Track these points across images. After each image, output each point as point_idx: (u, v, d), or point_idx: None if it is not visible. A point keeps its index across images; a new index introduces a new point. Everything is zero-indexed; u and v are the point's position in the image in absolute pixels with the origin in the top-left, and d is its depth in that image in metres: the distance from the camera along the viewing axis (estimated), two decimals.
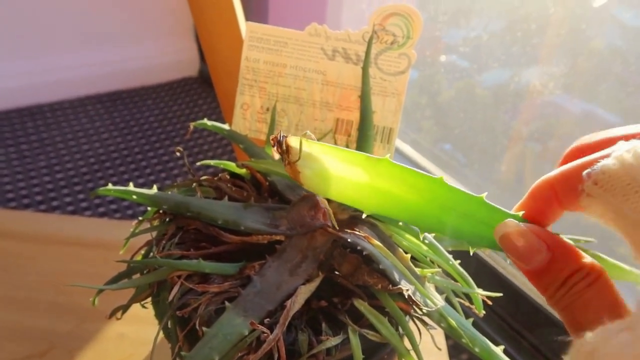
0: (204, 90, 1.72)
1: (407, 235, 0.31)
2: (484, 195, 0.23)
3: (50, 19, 1.55)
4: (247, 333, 0.26)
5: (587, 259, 0.21)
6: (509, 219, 0.22)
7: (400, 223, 0.31)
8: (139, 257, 0.34)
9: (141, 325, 0.50)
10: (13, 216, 0.67)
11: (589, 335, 0.18)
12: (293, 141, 0.22)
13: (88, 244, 0.60)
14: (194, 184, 0.36)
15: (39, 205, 1.22)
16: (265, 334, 0.25)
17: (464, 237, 0.23)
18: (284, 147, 0.22)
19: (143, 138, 1.47)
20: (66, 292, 0.53)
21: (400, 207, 0.23)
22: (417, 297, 0.28)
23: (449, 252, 0.31)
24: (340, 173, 0.22)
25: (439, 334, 0.50)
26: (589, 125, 0.82)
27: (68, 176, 1.31)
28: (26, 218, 0.67)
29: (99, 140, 1.45)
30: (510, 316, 0.78)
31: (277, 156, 0.23)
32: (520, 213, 0.23)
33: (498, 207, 0.23)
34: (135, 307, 0.32)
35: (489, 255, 0.81)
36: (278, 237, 0.31)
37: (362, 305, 0.29)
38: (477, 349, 0.28)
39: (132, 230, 0.35)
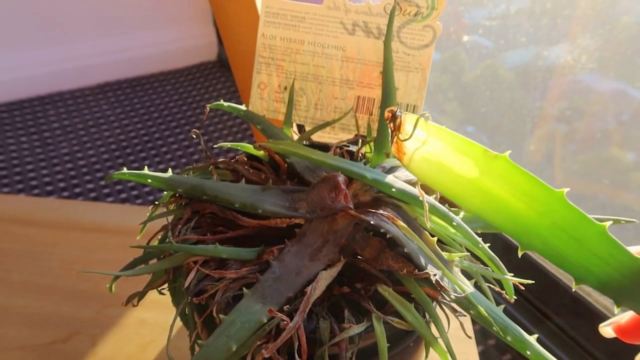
0: (222, 74, 1.71)
1: (434, 218, 0.30)
2: (607, 224, 0.19)
3: (69, 6, 1.55)
4: (266, 320, 0.24)
5: None
6: None
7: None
8: (155, 243, 0.33)
9: (162, 311, 0.50)
10: (35, 203, 0.68)
11: None
12: (409, 119, 0.20)
13: (110, 230, 0.60)
14: (211, 167, 0.34)
15: (62, 192, 1.23)
16: (285, 322, 0.24)
17: (569, 266, 0.20)
18: (397, 123, 0.20)
19: (163, 123, 1.47)
20: (88, 278, 0.53)
21: (505, 214, 0.20)
22: (445, 283, 0.26)
23: (479, 235, 0.29)
24: (450, 162, 0.20)
25: (468, 321, 0.49)
26: (619, 104, 0.78)
27: (90, 163, 1.32)
28: (49, 205, 0.67)
29: (119, 127, 1.46)
30: (542, 303, 0.76)
31: (388, 131, 0.21)
32: None
33: (620, 243, 0.19)
34: (156, 292, 0.32)
35: None
36: (297, 221, 0.30)
37: (386, 291, 0.27)
38: (509, 338, 0.26)
39: (148, 215, 0.34)
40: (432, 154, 0.20)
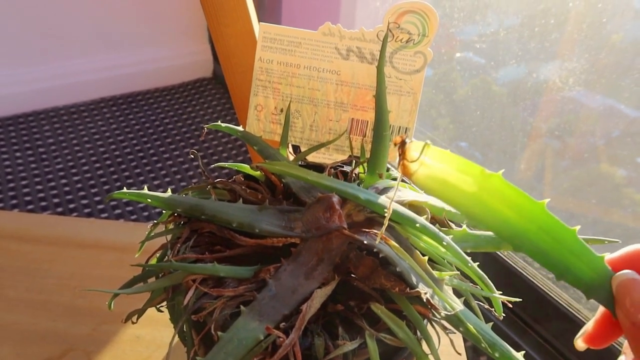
0: (217, 91, 1.73)
1: (425, 237, 0.31)
2: (576, 228, 0.24)
3: (65, 23, 1.57)
4: (262, 337, 0.25)
5: None
6: (628, 271, 0.24)
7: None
8: (153, 261, 0.34)
9: (156, 328, 0.51)
10: (31, 219, 0.68)
11: None
12: (415, 146, 0.24)
13: (105, 246, 0.60)
14: (208, 187, 0.35)
15: (56, 208, 1.23)
16: (281, 339, 0.25)
17: (552, 264, 0.24)
18: (405, 149, 0.23)
19: (158, 140, 1.48)
20: (84, 295, 0.54)
21: (500, 222, 0.24)
22: (435, 301, 0.27)
23: (468, 254, 0.30)
24: (451, 180, 0.24)
25: (458, 338, 0.49)
26: (609, 121, 0.80)
27: (84, 178, 1.33)
28: (44, 221, 0.67)
29: (114, 143, 1.47)
30: (532, 319, 0.77)
31: (396, 155, 0.25)
32: (605, 255, 0.24)
33: (585, 244, 0.24)
34: (151, 309, 0.32)
35: (507, 256, 0.79)
36: (293, 240, 0.31)
37: (379, 308, 0.28)
38: (496, 354, 0.27)
39: (147, 233, 0.35)
40: (436, 173, 0.24)
